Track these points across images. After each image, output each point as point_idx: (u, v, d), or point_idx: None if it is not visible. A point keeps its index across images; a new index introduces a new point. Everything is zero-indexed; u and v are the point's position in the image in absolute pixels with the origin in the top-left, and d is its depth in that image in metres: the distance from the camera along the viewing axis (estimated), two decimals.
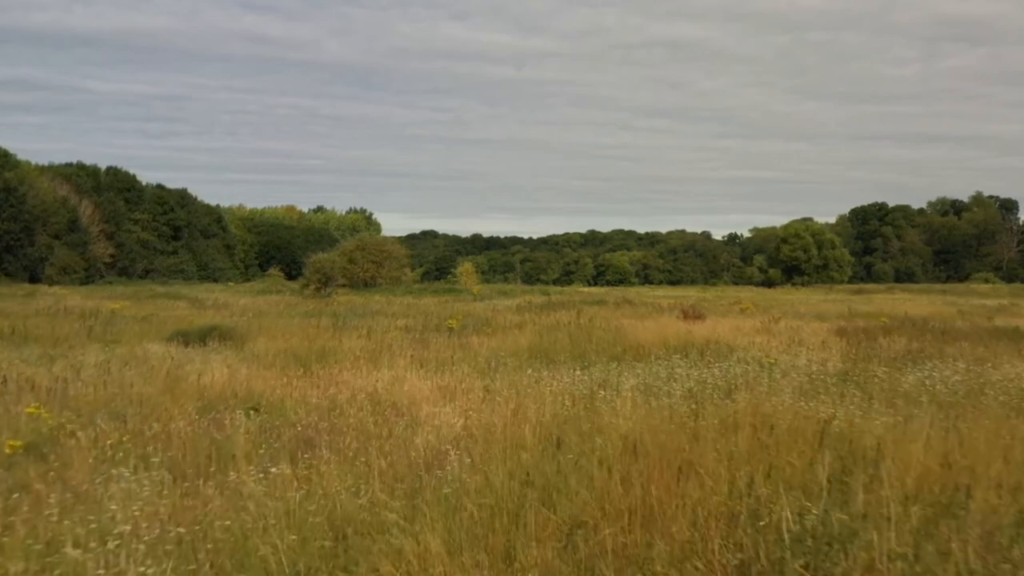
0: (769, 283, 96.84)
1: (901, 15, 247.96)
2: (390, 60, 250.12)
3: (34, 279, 78.99)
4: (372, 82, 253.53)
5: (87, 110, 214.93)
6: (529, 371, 12.11)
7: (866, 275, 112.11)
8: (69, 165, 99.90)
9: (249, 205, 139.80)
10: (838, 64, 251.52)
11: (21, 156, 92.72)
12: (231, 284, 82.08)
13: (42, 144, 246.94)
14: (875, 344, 16.96)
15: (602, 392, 9.91)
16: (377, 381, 11.41)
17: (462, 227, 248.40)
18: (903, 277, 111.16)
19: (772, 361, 12.36)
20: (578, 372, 12.22)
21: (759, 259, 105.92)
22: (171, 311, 33.30)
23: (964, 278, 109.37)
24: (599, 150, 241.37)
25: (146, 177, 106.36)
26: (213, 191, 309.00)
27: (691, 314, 26.46)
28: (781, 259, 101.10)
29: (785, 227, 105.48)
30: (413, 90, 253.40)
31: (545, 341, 16.84)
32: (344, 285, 63.97)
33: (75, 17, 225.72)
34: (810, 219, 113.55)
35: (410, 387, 10.91)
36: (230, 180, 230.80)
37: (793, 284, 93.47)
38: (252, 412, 9.70)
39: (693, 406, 8.60)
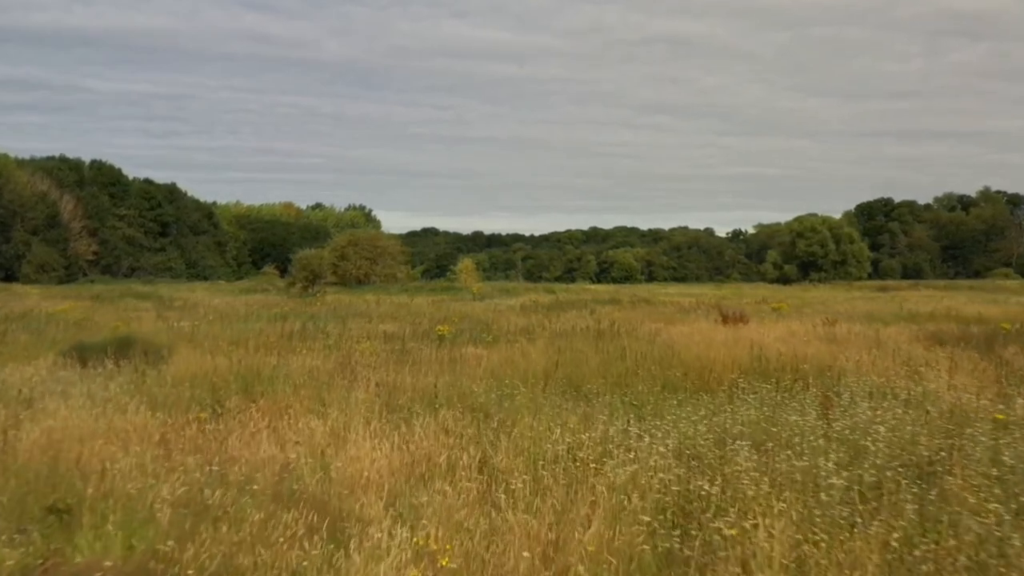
0: (784, 280, 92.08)
1: (904, 10, 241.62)
2: (391, 59, 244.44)
3: (10, 277, 74.67)
4: (373, 81, 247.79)
5: (88, 110, 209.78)
6: (552, 421, 7.61)
7: (873, 271, 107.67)
8: (51, 159, 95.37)
9: (247, 202, 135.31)
10: (840, 60, 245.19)
11: (15, 154, 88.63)
12: (221, 283, 77.67)
13: (43, 143, 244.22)
14: (1007, 360, 12.48)
15: (700, 480, 5.40)
16: (298, 444, 6.92)
17: (464, 225, 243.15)
18: (911, 273, 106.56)
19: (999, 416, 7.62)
20: (631, 420, 7.70)
21: (773, 254, 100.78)
22: (124, 314, 28.85)
23: (973, 274, 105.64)
24: (600, 147, 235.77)
25: (149, 177, 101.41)
26: (216, 190, 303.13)
27: (732, 317, 21.98)
28: (796, 254, 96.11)
29: (800, 221, 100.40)
30: (414, 89, 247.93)
31: (566, 358, 12.34)
32: (335, 283, 59.59)
33: (75, 17, 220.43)
34: (815, 215, 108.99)
35: (355, 455, 6.44)
36: (232, 179, 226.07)
37: (810, 281, 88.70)
38: (56, 516, 5.24)
39: (912, 532, 4.18)
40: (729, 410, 8.22)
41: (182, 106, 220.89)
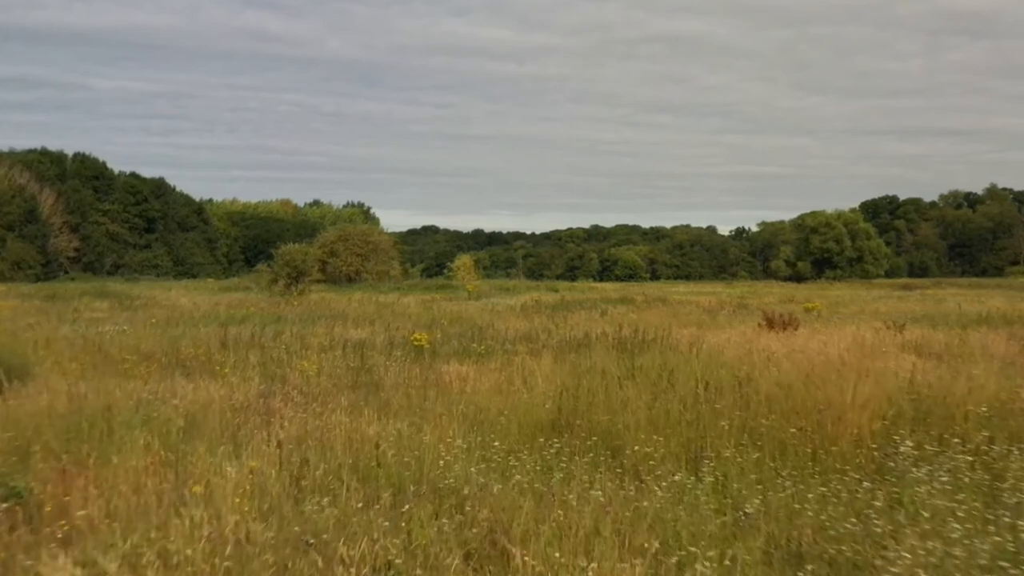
0: (798, 278, 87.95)
1: (904, 8, 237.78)
2: (391, 56, 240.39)
3: None
4: (373, 79, 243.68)
5: (89, 108, 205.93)
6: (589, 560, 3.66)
7: None
8: (32, 151, 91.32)
9: (243, 199, 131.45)
10: (841, 58, 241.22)
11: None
12: (209, 281, 73.69)
13: (44, 142, 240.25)
14: None
15: None
16: None
17: (464, 223, 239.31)
18: (917, 271, 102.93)
19: None
20: None
21: (785, 250, 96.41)
22: (65, 314, 24.88)
23: (981, 272, 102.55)
24: (601, 146, 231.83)
25: (150, 175, 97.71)
26: (216, 188, 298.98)
27: (779, 321, 17.98)
28: (811, 251, 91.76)
29: (814, 216, 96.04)
30: (414, 87, 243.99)
31: (588, 387, 8.34)
32: (322, 280, 55.59)
33: (75, 15, 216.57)
34: (819, 212, 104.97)
35: None
36: (234, 178, 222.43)
37: (826, 279, 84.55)
38: None
39: None
40: (923, 516, 4.24)
41: (183, 104, 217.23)
